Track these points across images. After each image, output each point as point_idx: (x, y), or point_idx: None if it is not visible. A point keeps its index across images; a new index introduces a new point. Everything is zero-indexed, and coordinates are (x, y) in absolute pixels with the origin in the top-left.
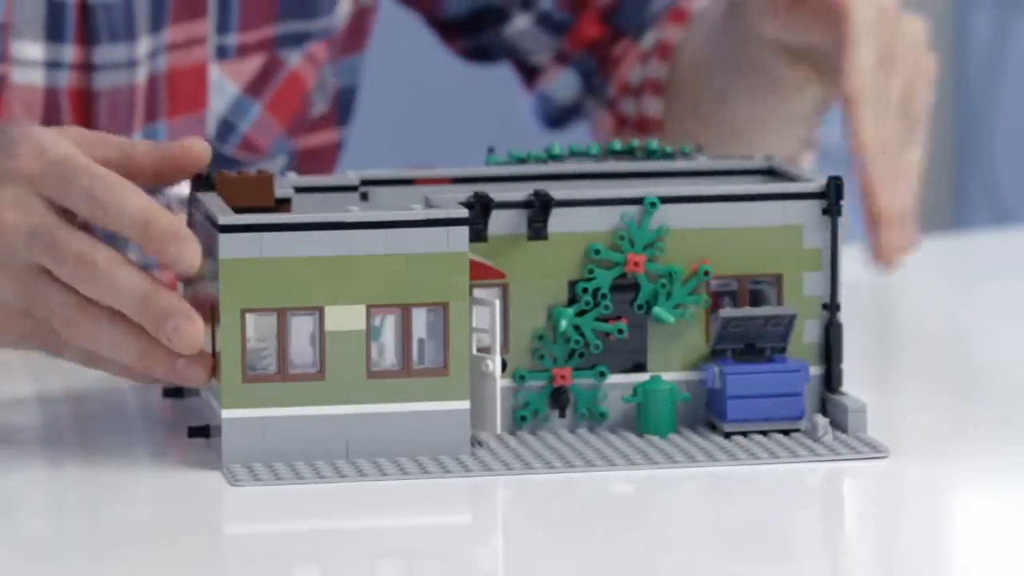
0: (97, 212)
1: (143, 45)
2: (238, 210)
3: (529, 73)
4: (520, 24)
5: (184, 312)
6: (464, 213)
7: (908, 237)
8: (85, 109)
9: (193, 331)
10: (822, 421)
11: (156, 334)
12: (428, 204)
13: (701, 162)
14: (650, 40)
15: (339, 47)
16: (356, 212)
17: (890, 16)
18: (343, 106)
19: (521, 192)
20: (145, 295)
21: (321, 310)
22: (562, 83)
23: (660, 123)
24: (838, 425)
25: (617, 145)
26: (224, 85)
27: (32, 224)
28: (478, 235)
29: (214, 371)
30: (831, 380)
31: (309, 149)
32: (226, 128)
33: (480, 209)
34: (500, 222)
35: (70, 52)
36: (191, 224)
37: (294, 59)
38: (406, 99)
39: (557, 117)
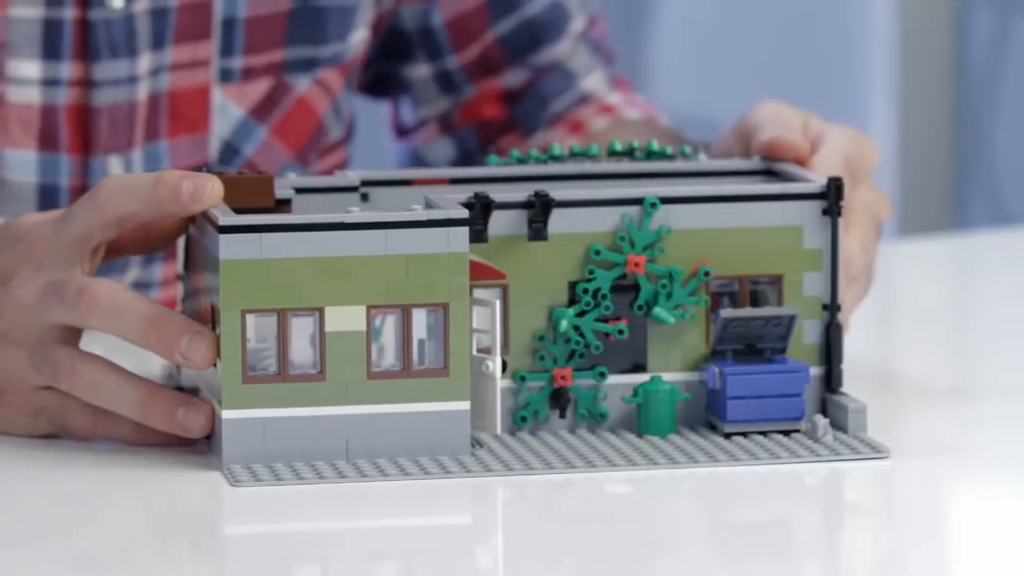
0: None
1: (144, 62)
2: (238, 211)
3: (401, 128)
4: (420, 72)
5: (195, 329)
6: (464, 213)
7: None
8: (84, 125)
9: (207, 346)
10: (822, 422)
11: (169, 355)
12: (428, 205)
13: (701, 162)
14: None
15: (358, 74)
16: (356, 213)
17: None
18: (353, 128)
19: (521, 192)
20: (152, 318)
21: (321, 311)
22: (436, 149)
23: None
24: (838, 425)
25: (617, 145)
26: (228, 108)
27: (39, 289)
28: (478, 235)
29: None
30: (831, 381)
31: (323, 173)
32: (229, 151)
33: (480, 209)
34: (500, 223)
35: (68, 69)
36: (191, 225)
37: (302, 84)
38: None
39: (414, 157)
